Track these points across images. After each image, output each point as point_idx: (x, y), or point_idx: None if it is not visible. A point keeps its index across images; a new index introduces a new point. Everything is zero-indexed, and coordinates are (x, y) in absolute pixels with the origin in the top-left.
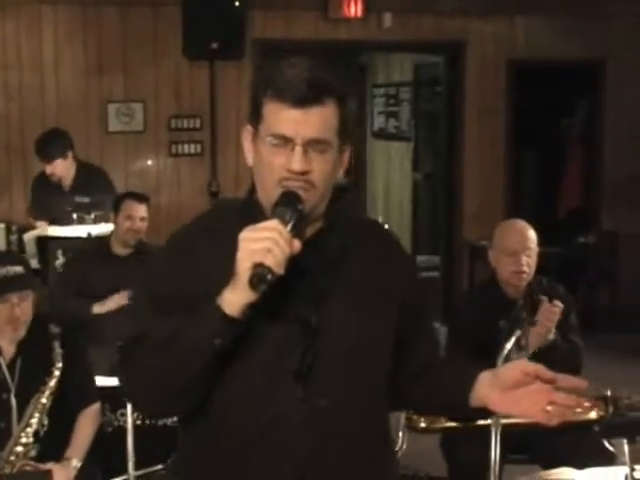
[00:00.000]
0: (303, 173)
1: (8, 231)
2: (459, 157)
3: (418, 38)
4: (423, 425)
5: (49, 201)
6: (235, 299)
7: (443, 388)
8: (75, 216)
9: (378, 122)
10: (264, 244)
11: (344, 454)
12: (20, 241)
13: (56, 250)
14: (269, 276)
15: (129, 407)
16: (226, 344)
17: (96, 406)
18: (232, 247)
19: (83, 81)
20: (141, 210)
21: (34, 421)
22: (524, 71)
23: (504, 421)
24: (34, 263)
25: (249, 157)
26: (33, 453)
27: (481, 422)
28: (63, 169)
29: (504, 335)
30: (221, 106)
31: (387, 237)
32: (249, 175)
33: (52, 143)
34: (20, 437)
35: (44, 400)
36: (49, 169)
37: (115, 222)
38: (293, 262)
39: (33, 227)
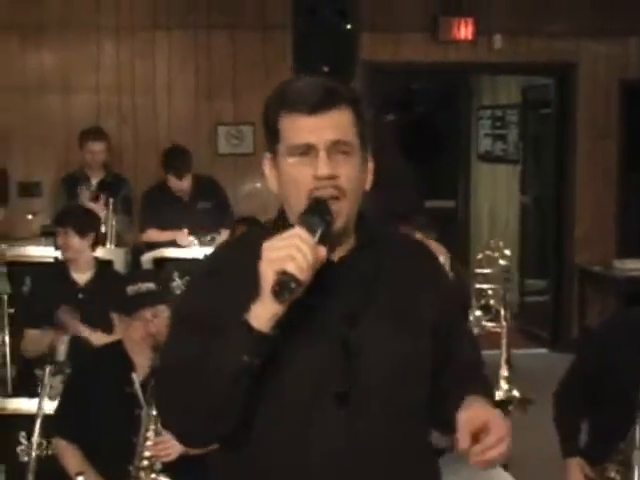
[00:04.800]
0: (331, 177)
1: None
2: (570, 180)
3: (528, 60)
4: None
5: (168, 212)
6: (262, 312)
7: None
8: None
9: (484, 145)
10: (286, 251)
11: (386, 477)
12: (136, 263)
13: (173, 271)
14: (292, 284)
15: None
16: (255, 362)
17: None
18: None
19: (194, 104)
20: None
21: (150, 434)
22: (637, 92)
23: None
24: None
25: (272, 184)
26: (158, 466)
27: None
28: (189, 184)
29: None
30: None
31: (423, 256)
32: None
33: (182, 159)
34: (143, 451)
35: (154, 411)
36: (178, 184)
37: None
38: (327, 282)
39: (148, 243)
